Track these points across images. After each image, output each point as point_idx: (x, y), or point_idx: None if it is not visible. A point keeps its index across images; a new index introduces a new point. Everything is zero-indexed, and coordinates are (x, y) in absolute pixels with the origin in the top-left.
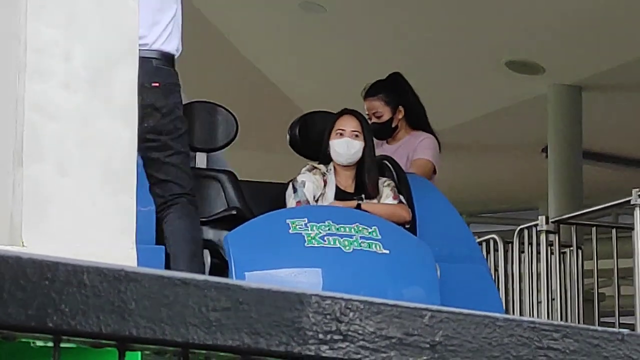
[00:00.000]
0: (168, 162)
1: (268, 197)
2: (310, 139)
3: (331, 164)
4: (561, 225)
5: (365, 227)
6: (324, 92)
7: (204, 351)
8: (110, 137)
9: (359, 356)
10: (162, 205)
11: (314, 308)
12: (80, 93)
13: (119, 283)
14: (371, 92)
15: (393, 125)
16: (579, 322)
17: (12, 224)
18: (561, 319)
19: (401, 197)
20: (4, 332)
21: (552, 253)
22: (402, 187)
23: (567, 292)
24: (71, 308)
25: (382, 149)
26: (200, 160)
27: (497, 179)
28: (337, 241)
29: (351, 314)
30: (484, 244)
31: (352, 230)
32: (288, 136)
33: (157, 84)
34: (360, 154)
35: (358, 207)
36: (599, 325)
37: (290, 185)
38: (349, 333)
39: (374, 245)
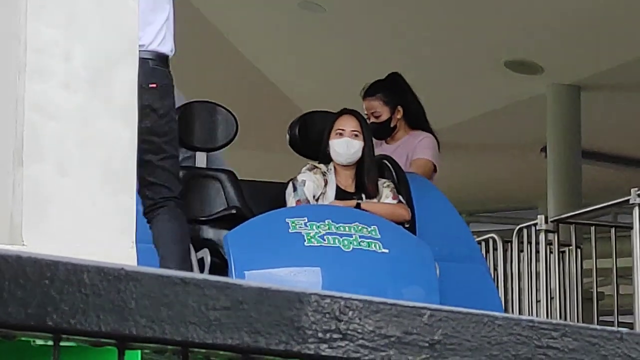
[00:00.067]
0: (160, 166)
1: (268, 196)
2: (309, 138)
3: (331, 163)
4: (560, 224)
5: (365, 227)
6: (324, 92)
7: (203, 350)
8: (110, 137)
9: (358, 355)
10: (150, 207)
11: (314, 307)
12: (80, 93)
13: (119, 282)
14: (370, 92)
15: (392, 125)
16: (578, 321)
17: (12, 224)
18: (560, 318)
19: (400, 197)
20: (3, 331)
21: (551, 252)
22: (402, 186)
23: (566, 291)
24: (71, 307)
25: (381, 148)
26: (200, 159)
27: (496, 179)
28: (336, 240)
29: (350, 313)
30: (483, 243)
31: (352, 229)
32: (288, 136)
33: (154, 85)
34: (359, 154)
35: (358, 206)
36: (598, 324)
37: (291, 184)
38: (348, 332)
39: (373, 245)
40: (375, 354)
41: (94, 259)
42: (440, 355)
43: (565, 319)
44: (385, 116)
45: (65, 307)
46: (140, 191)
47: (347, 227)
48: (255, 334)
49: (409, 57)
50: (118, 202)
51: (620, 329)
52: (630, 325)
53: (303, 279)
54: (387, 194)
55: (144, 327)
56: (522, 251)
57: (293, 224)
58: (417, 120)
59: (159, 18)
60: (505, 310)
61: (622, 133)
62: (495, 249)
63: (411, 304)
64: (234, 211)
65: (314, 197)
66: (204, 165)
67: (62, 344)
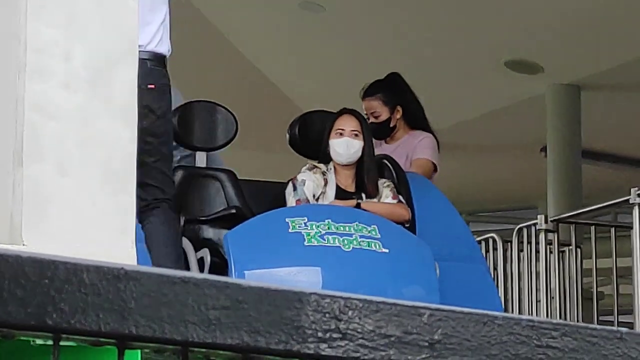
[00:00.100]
0: (155, 167)
1: (268, 196)
2: (309, 138)
3: (331, 163)
4: (560, 224)
5: (365, 226)
6: (324, 92)
7: (203, 349)
8: (111, 137)
9: (357, 354)
10: (143, 208)
11: (313, 306)
12: (80, 93)
13: (119, 281)
14: (369, 92)
15: (391, 125)
16: (578, 321)
17: (12, 224)
18: (560, 318)
19: (400, 197)
20: (3, 331)
21: (551, 252)
22: (402, 186)
23: (566, 291)
24: (71, 306)
25: (381, 148)
26: (200, 159)
27: (496, 179)
28: (336, 240)
29: (350, 313)
30: (483, 243)
31: (352, 229)
32: (288, 136)
33: (152, 86)
34: (359, 154)
35: (358, 206)
36: (597, 323)
37: (290, 184)
38: (348, 331)
39: (373, 244)
40: (375, 354)
41: (93, 259)
42: (440, 355)
43: (565, 318)
44: (384, 116)
45: (65, 306)
46: None
47: (347, 227)
48: (255, 333)
49: (409, 57)
50: (118, 202)
51: (620, 328)
52: (630, 325)
53: (303, 278)
54: (387, 193)
55: (144, 327)
56: (522, 251)
57: (293, 224)
58: (417, 120)
59: (156, 18)
60: (505, 310)
61: (622, 133)
62: (495, 249)
63: (411, 303)
64: (233, 211)
65: (313, 196)
66: (204, 165)
67: (61, 343)
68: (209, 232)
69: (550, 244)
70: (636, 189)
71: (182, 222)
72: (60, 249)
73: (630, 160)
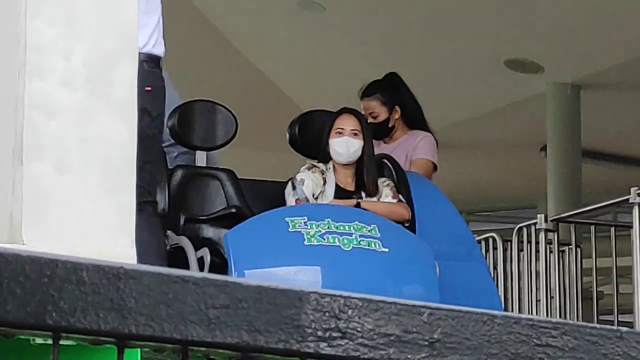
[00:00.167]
0: (145, 169)
1: (267, 195)
2: (309, 137)
3: (330, 162)
4: (560, 223)
5: (365, 226)
6: (324, 92)
7: (203, 348)
8: (110, 136)
9: (357, 353)
10: None
11: (313, 305)
12: (80, 91)
13: (118, 280)
14: (367, 92)
15: (390, 125)
16: (577, 320)
17: (12, 223)
18: (560, 317)
19: (400, 196)
20: (3, 330)
21: (551, 251)
22: (401, 185)
23: (566, 290)
24: (70, 305)
25: (380, 148)
26: (200, 158)
27: (496, 178)
28: (336, 239)
29: (350, 312)
30: (483, 243)
31: (352, 228)
32: (287, 135)
33: (149, 88)
34: (359, 153)
35: (357, 205)
36: (597, 323)
37: (290, 183)
38: (348, 330)
39: (373, 244)
40: (374, 353)
41: (93, 257)
42: (440, 354)
43: (565, 317)
44: (383, 116)
45: (65, 305)
46: None
47: (346, 226)
48: (254, 332)
49: (409, 57)
50: (117, 200)
51: (619, 327)
52: (630, 324)
53: (303, 277)
54: (387, 193)
55: (144, 326)
56: (522, 250)
57: (293, 223)
58: (415, 120)
59: (151, 20)
60: (505, 309)
61: (622, 132)
62: (495, 248)
63: (411, 302)
64: (233, 210)
65: (313, 195)
66: (203, 164)
67: (61, 342)
68: (208, 232)
69: (550, 243)
70: (636, 188)
71: (182, 222)
72: (60, 247)
73: (630, 160)
